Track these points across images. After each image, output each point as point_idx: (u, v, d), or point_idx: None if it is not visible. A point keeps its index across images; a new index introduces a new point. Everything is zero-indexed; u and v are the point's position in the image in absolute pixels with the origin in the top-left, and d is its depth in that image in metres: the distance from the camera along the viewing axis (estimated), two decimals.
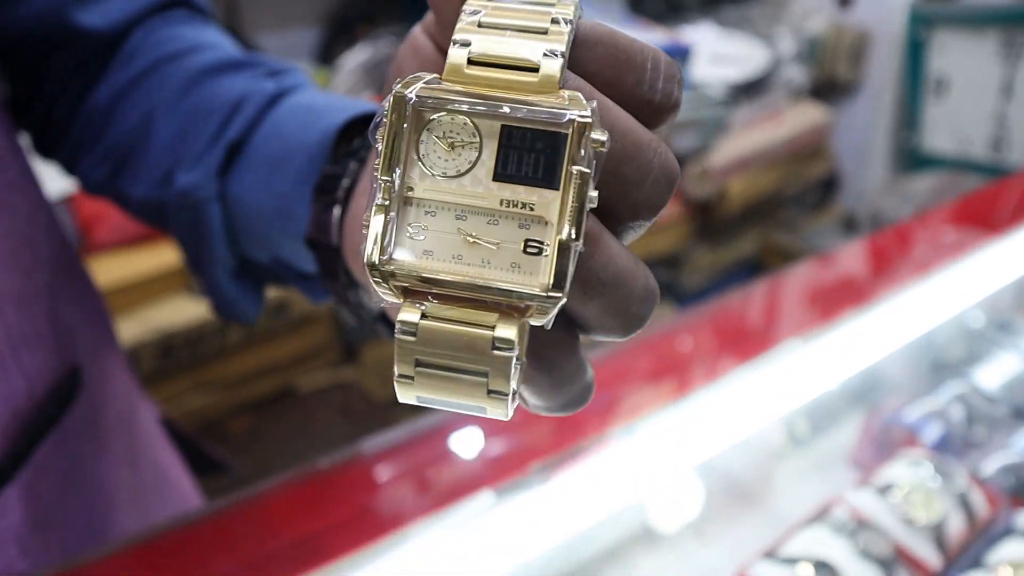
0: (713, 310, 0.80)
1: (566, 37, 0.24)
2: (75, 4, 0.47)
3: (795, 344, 0.73)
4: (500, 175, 0.24)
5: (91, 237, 1.29)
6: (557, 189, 0.23)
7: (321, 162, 0.40)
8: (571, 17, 0.25)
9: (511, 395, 0.24)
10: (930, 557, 0.62)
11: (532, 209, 0.23)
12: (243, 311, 0.48)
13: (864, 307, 0.78)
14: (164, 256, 1.31)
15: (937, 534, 0.63)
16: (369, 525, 0.54)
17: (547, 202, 0.23)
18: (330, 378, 1.57)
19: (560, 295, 0.23)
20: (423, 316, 0.24)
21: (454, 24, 0.25)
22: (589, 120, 0.23)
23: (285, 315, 1.44)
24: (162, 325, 1.29)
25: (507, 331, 0.23)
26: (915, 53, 2.25)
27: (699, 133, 1.84)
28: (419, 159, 0.24)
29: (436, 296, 0.24)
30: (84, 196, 0.53)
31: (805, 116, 2.13)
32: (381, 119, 0.24)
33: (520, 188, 0.23)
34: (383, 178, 0.24)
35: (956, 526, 0.64)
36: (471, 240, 0.24)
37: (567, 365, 0.27)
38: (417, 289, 0.24)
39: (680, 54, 1.77)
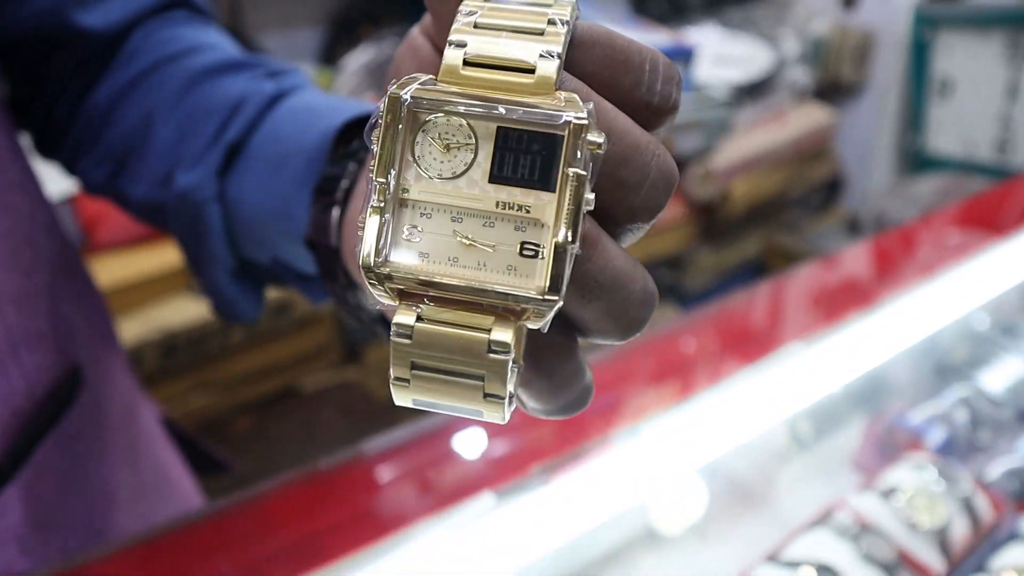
0: (716, 312, 0.80)
1: (563, 38, 0.24)
2: (75, 5, 0.47)
3: (799, 346, 0.73)
4: (496, 177, 0.23)
5: (94, 237, 1.29)
6: (553, 191, 0.23)
7: (320, 163, 0.40)
8: (568, 18, 0.24)
9: (507, 398, 0.24)
10: (934, 562, 0.61)
11: (528, 211, 0.23)
12: (243, 311, 0.48)
13: (868, 309, 0.78)
14: (166, 256, 1.31)
15: (941, 539, 0.62)
16: (370, 526, 0.54)
17: (543, 204, 0.23)
18: (332, 378, 1.57)
19: (556, 298, 0.23)
20: (419, 319, 0.24)
21: (451, 25, 0.25)
22: (585, 122, 0.23)
23: (287, 315, 1.44)
24: (164, 325, 1.30)
25: (503, 334, 0.23)
26: (920, 54, 2.24)
27: (702, 134, 1.84)
28: (414, 161, 0.24)
29: (432, 299, 0.24)
30: (87, 196, 0.53)
31: (809, 117, 2.12)
32: (376, 120, 0.24)
33: (516, 190, 0.23)
34: (378, 180, 0.23)
35: (960, 531, 0.63)
36: (467, 242, 0.23)
37: (565, 368, 0.27)
38: (413, 291, 0.24)
39: (683, 55, 1.76)
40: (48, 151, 0.53)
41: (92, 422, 0.51)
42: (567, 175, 0.23)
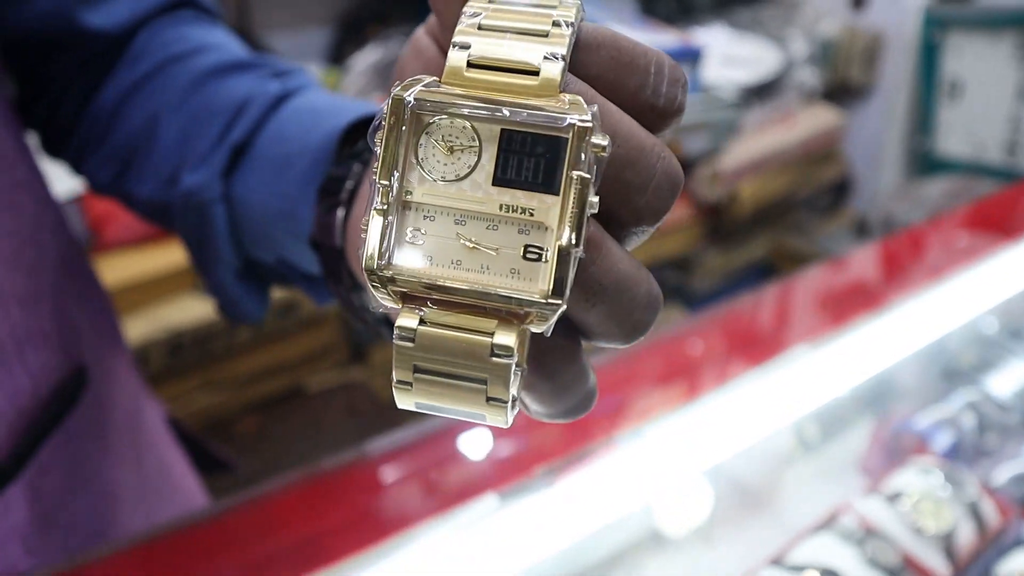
0: (723, 313, 0.80)
1: (567, 40, 0.24)
2: (81, 4, 0.47)
3: (806, 349, 0.72)
4: (500, 179, 0.23)
5: (101, 236, 1.30)
6: (557, 194, 0.23)
7: (325, 164, 0.40)
8: (573, 20, 0.24)
9: (510, 402, 0.24)
10: (939, 567, 0.61)
11: (532, 214, 0.23)
12: (248, 311, 0.48)
13: (876, 312, 0.77)
14: (173, 255, 1.31)
15: (946, 544, 0.62)
16: (373, 527, 0.54)
17: (547, 207, 0.23)
18: (338, 378, 1.57)
19: (560, 302, 0.23)
20: (421, 322, 0.24)
21: (455, 26, 0.25)
22: (589, 124, 0.23)
23: (293, 315, 1.44)
24: (171, 324, 1.30)
25: (506, 338, 0.23)
26: (929, 56, 2.23)
27: (710, 135, 1.83)
28: (418, 163, 0.24)
29: (435, 302, 0.24)
30: (94, 195, 0.53)
31: (817, 119, 2.11)
32: (380, 122, 0.24)
33: (520, 193, 0.23)
34: (381, 182, 0.23)
35: (966, 536, 0.63)
36: (470, 245, 0.23)
37: (568, 372, 0.27)
38: (416, 294, 0.24)
39: (691, 56, 1.76)
40: (54, 151, 0.53)
41: (97, 421, 0.51)
42: (571, 178, 0.23)
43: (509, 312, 0.23)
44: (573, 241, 0.23)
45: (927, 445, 0.71)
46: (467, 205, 0.23)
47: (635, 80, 0.25)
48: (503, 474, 0.58)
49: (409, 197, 0.24)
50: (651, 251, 1.87)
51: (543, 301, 0.23)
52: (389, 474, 0.58)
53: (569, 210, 0.23)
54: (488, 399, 0.24)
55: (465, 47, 0.24)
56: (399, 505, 0.56)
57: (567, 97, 0.23)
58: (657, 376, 0.71)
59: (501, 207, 0.23)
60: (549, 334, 0.24)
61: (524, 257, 0.23)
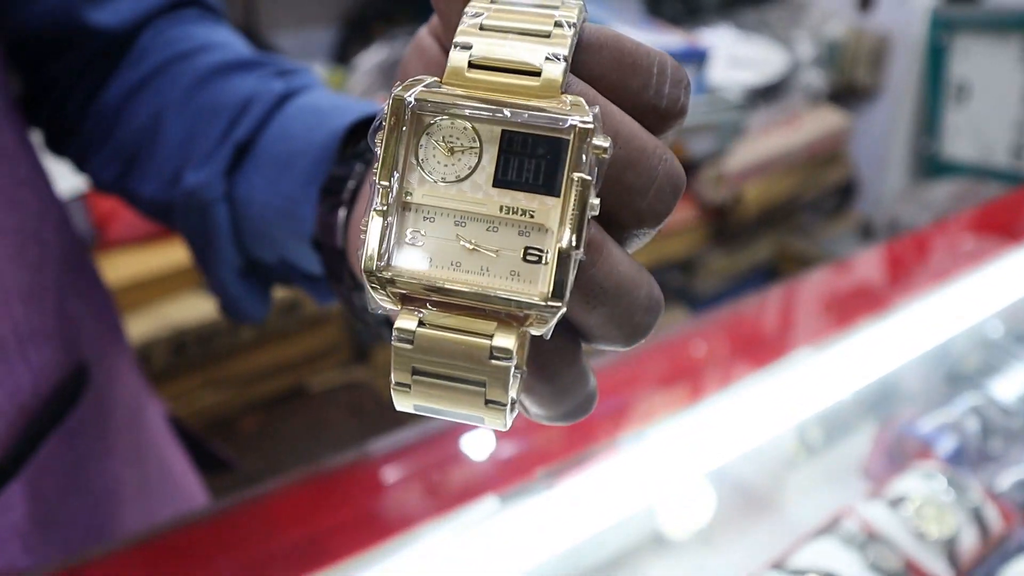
0: (727, 316, 0.80)
1: (569, 41, 0.24)
2: (87, 2, 0.47)
3: (809, 351, 0.72)
4: (500, 181, 0.23)
5: (106, 233, 1.30)
6: (558, 196, 0.23)
7: (327, 163, 0.40)
8: (575, 20, 0.24)
9: (509, 405, 0.24)
10: (941, 573, 0.61)
11: (532, 216, 0.23)
12: (250, 311, 0.48)
13: (880, 315, 0.77)
14: (178, 253, 1.31)
15: (949, 549, 0.62)
16: (372, 527, 0.53)
17: (547, 209, 0.23)
18: (341, 377, 1.57)
19: (559, 304, 0.23)
20: (420, 324, 0.24)
21: (457, 26, 0.25)
22: (591, 126, 0.22)
23: (297, 314, 1.44)
24: (175, 322, 1.30)
25: (505, 340, 0.23)
26: (936, 58, 2.23)
27: (715, 137, 1.83)
28: (418, 164, 0.24)
29: (434, 303, 0.24)
30: (99, 193, 0.53)
31: (823, 121, 2.11)
32: (380, 123, 0.24)
33: (520, 194, 0.23)
34: (381, 183, 0.23)
35: (969, 541, 0.63)
36: (470, 247, 0.23)
37: (568, 375, 0.27)
38: (415, 296, 0.24)
39: (697, 57, 1.76)
40: (58, 148, 0.53)
41: (97, 420, 0.51)
42: (572, 179, 0.22)
43: (508, 314, 0.23)
44: (573, 243, 0.22)
45: (931, 449, 0.70)
46: (467, 206, 0.23)
47: (637, 81, 0.25)
48: (504, 476, 0.58)
49: (409, 198, 0.24)
50: (655, 252, 1.87)
51: (543, 303, 0.23)
52: (390, 474, 0.58)
53: (570, 212, 0.22)
54: (487, 402, 0.24)
55: (467, 47, 0.24)
56: (400, 506, 0.56)
57: (568, 98, 0.23)
58: (660, 378, 0.71)
59: (501, 208, 0.23)
60: (549, 336, 0.24)
61: (524, 259, 0.23)
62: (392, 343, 0.24)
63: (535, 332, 0.24)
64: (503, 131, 0.23)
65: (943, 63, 2.22)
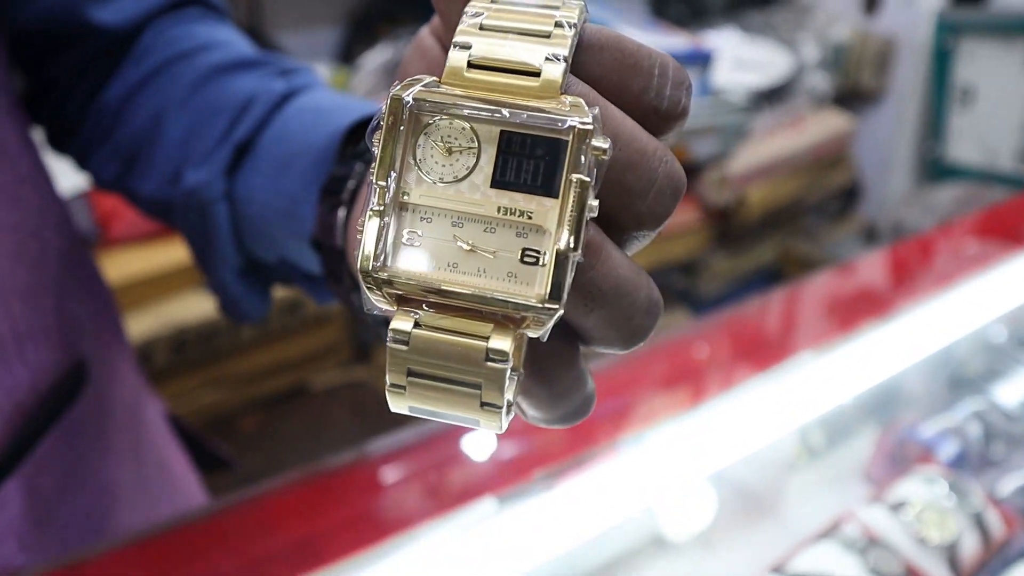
0: (730, 318, 0.80)
1: (569, 41, 0.24)
2: (89, 1, 0.47)
3: (812, 355, 0.72)
4: (498, 182, 0.23)
5: (109, 231, 1.30)
6: (556, 197, 0.23)
7: (328, 163, 0.40)
8: (575, 21, 0.24)
9: (505, 408, 0.24)
10: None
11: (530, 217, 0.23)
12: (249, 310, 0.48)
13: (883, 319, 0.77)
14: (180, 252, 1.31)
15: (950, 554, 0.61)
16: (371, 527, 0.53)
17: (545, 210, 0.23)
18: (342, 377, 1.57)
19: (557, 306, 0.22)
20: (416, 325, 0.23)
21: (457, 26, 0.25)
22: (590, 127, 0.22)
23: (299, 313, 1.44)
24: (176, 320, 1.30)
25: (501, 342, 0.23)
26: (941, 62, 2.22)
27: (719, 139, 1.82)
28: (416, 164, 0.23)
29: (430, 304, 0.23)
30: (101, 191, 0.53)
31: (827, 124, 2.10)
32: (378, 122, 0.23)
33: (518, 195, 0.23)
34: (378, 183, 0.23)
35: (970, 547, 0.62)
36: (467, 248, 0.23)
37: (566, 377, 0.27)
38: (411, 297, 0.23)
39: (702, 59, 1.75)
40: (60, 146, 0.53)
41: (96, 418, 0.51)
42: (570, 181, 0.22)
43: (505, 316, 0.23)
44: (571, 245, 0.22)
45: (932, 454, 0.70)
46: (465, 207, 0.23)
47: (638, 83, 0.25)
48: (502, 477, 0.58)
49: (406, 198, 0.23)
50: (657, 254, 1.86)
51: (540, 305, 0.22)
52: (388, 475, 0.58)
53: (568, 213, 0.22)
54: (482, 404, 0.24)
55: (466, 47, 0.24)
56: (398, 506, 0.56)
57: (568, 99, 0.23)
58: (662, 380, 0.70)
59: (499, 209, 0.23)
60: (546, 339, 0.24)
61: (522, 260, 0.23)
62: (387, 344, 0.23)
63: (532, 334, 0.23)
64: (502, 131, 0.23)
65: (948, 66, 2.21)
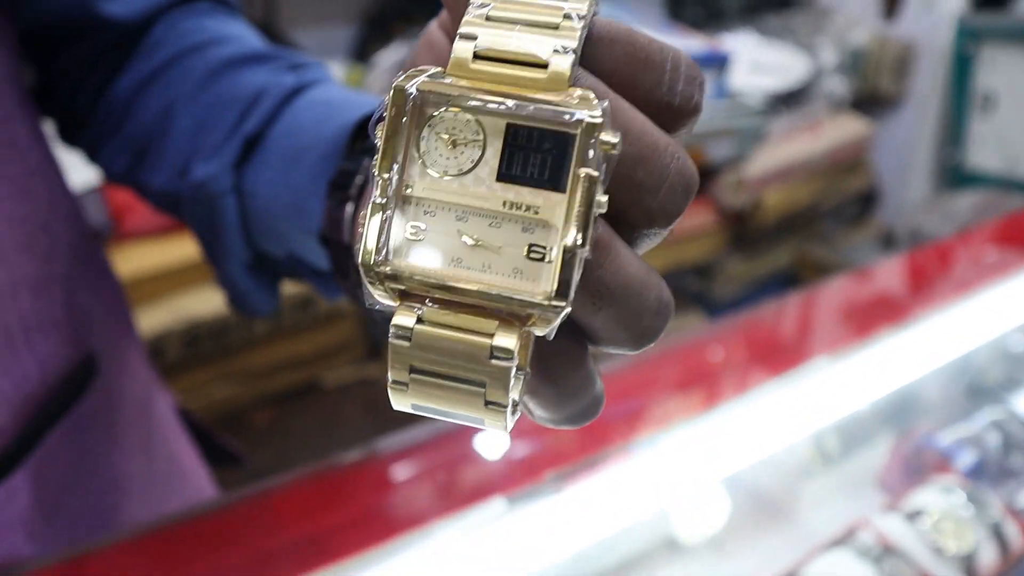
0: (744, 322, 0.79)
1: (578, 33, 0.23)
2: None
3: (828, 360, 0.71)
4: (504, 175, 0.22)
5: (122, 225, 1.31)
6: (564, 192, 0.22)
7: (336, 158, 0.39)
8: (585, 13, 0.23)
9: (510, 407, 0.23)
10: None
11: (537, 212, 0.22)
12: (258, 305, 0.48)
13: (900, 326, 0.76)
14: (193, 246, 1.30)
15: (967, 565, 0.60)
16: (379, 526, 0.53)
17: (552, 205, 0.22)
18: (355, 373, 1.57)
19: (564, 304, 0.22)
20: (419, 320, 0.23)
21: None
22: (599, 120, 0.22)
23: (311, 309, 1.44)
24: (188, 315, 1.30)
25: (506, 340, 0.22)
26: (962, 68, 2.19)
27: (736, 142, 1.81)
28: (419, 156, 0.23)
29: (434, 300, 0.23)
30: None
31: (845, 128, 2.09)
32: (381, 114, 0.23)
33: (525, 190, 0.22)
34: (380, 175, 0.23)
35: (988, 558, 0.61)
36: (471, 243, 0.22)
37: (574, 377, 0.26)
38: (414, 292, 0.23)
39: (718, 62, 1.74)
40: (70, 139, 0.53)
41: (105, 411, 0.51)
42: (578, 175, 0.22)
43: (511, 313, 0.22)
44: (579, 241, 0.22)
45: (950, 463, 0.69)
46: (469, 201, 0.23)
47: (650, 77, 0.24)
48: (512, 477, 0.57)
49: (409, 191, 0.23)
50: (673, 257, 1.85)
51: (546, 303, 0.22)
52: (398, 473, 0.57)
53: (576, 209, 0.22)
54: (487, 403, 0.23)
55: (472, 38, 0.23)
56: (407, 504, 0.55)
57: (577, 92, 0.22)
58: (676, 382, 0.70)
59: (505, 204, 0.22)
60: (552, 337, 0.23)
61: (528, 256, 0.22)
62: (389, 340, 0.23)
63: (538, 332, 0.23)
64: (508, 124, 0.22)
65: (969, 72, 2.19)
